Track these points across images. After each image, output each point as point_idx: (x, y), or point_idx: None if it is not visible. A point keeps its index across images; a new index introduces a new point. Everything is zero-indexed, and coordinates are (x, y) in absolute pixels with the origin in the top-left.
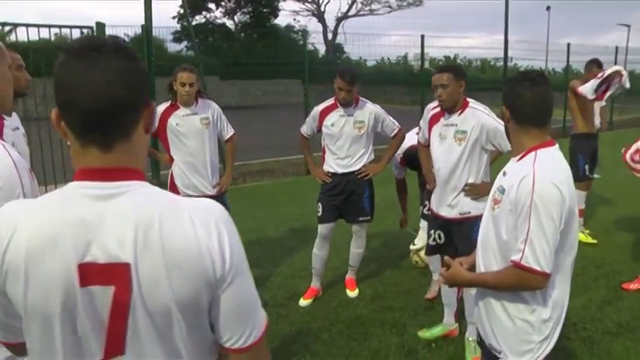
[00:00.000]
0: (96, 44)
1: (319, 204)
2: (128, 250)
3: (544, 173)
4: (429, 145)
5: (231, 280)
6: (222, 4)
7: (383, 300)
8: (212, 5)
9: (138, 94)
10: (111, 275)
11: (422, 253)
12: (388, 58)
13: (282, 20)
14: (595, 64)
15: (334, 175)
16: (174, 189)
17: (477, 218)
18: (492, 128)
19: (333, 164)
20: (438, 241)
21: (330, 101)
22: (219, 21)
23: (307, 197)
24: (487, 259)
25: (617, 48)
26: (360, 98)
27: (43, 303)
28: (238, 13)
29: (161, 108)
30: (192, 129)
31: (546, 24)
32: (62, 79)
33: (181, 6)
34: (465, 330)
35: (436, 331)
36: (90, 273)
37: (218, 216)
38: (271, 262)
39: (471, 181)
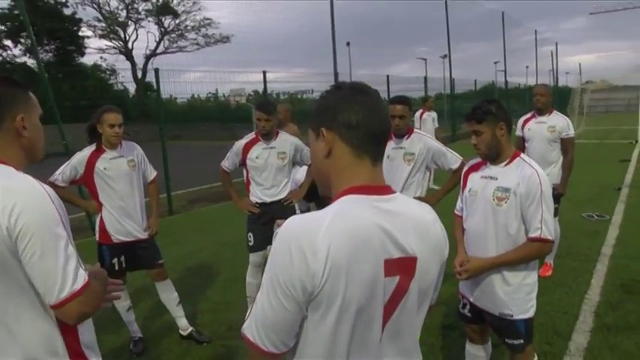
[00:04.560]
0: (362, 84)
1: (250, 234)
2: (413, 245)
3: (540, 170)
4: None
5: None
6: (22, 40)
7: None
8: (9, 42)
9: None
10: (401, 267)
11: None
12: (198, 95)
13: (88, 59)
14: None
15: (262, 204)
16: (105, 236)
17: None
18: (437, 150)
19: (260, 194)
20: None
21: (251, 136)
22: (18, 60)
23: (185, 236)
24: (483, 246)
25: (425, 78)
26: (279, 131)
27: (356, 294)
28: (40, 51)
29: (86, 152)
30: (120, 172)
31: (343, 57)
32: (351, 106)
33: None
34: None
35: None
36: (388, 267)
37: None
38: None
39: (417, 195)
